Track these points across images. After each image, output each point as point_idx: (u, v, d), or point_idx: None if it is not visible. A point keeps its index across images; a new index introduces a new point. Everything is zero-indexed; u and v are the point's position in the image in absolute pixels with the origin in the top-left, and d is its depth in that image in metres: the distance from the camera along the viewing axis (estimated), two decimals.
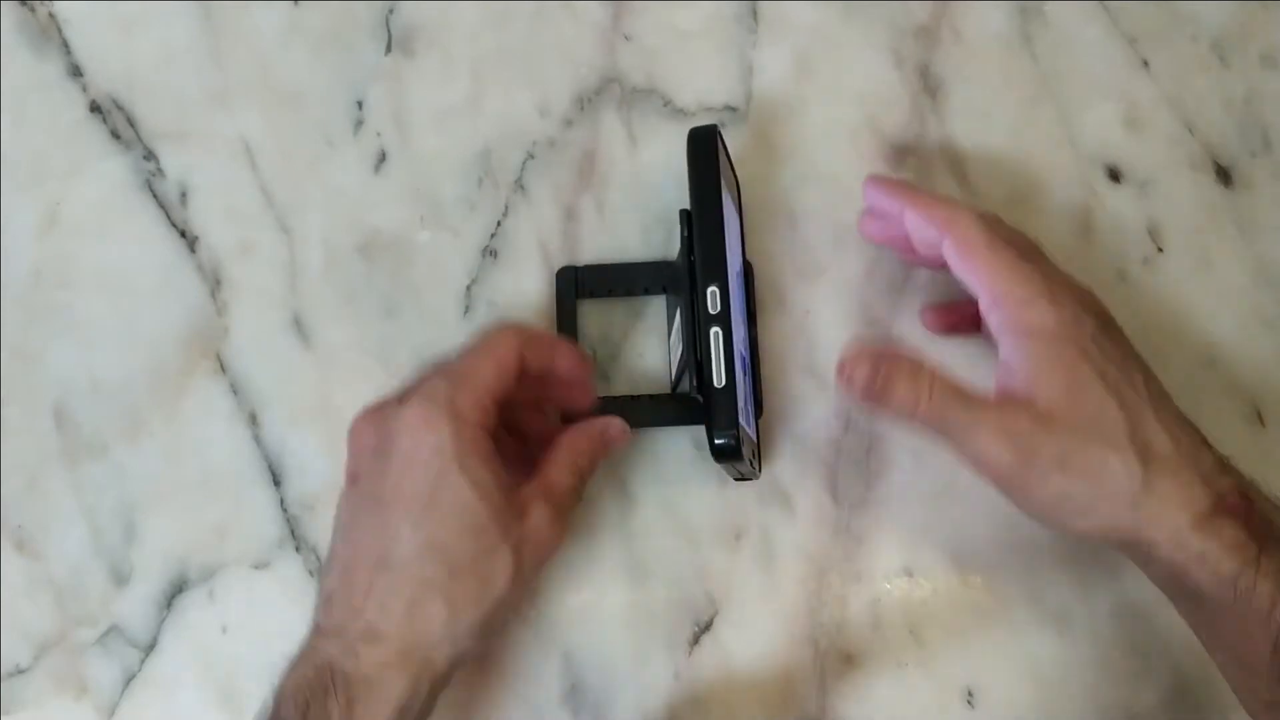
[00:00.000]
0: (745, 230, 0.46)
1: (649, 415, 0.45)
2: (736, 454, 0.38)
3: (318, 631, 0.37)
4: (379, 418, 0.38)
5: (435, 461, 0.36)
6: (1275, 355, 0.47)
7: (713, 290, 0.39)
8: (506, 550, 0.36)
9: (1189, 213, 0.48)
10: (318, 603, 0.38)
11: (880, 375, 0.37)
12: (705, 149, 0.41)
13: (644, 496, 0.46)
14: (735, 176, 0.46)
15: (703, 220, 0.40)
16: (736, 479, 0.44)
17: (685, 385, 0.43)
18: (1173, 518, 0.35)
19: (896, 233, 0.43)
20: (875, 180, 0.44)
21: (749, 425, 0.41)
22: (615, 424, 0.42)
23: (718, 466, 0.41)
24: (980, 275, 0.39)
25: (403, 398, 0.37)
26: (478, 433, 0.37)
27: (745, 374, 0.42)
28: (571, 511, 0.40)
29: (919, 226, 0.41)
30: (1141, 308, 0.47)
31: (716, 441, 0.38)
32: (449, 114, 0.49)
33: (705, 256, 0.39)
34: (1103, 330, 0.38)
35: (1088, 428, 0.36)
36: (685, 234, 0.42)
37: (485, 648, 0.39)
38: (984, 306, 0.39)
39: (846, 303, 0.47)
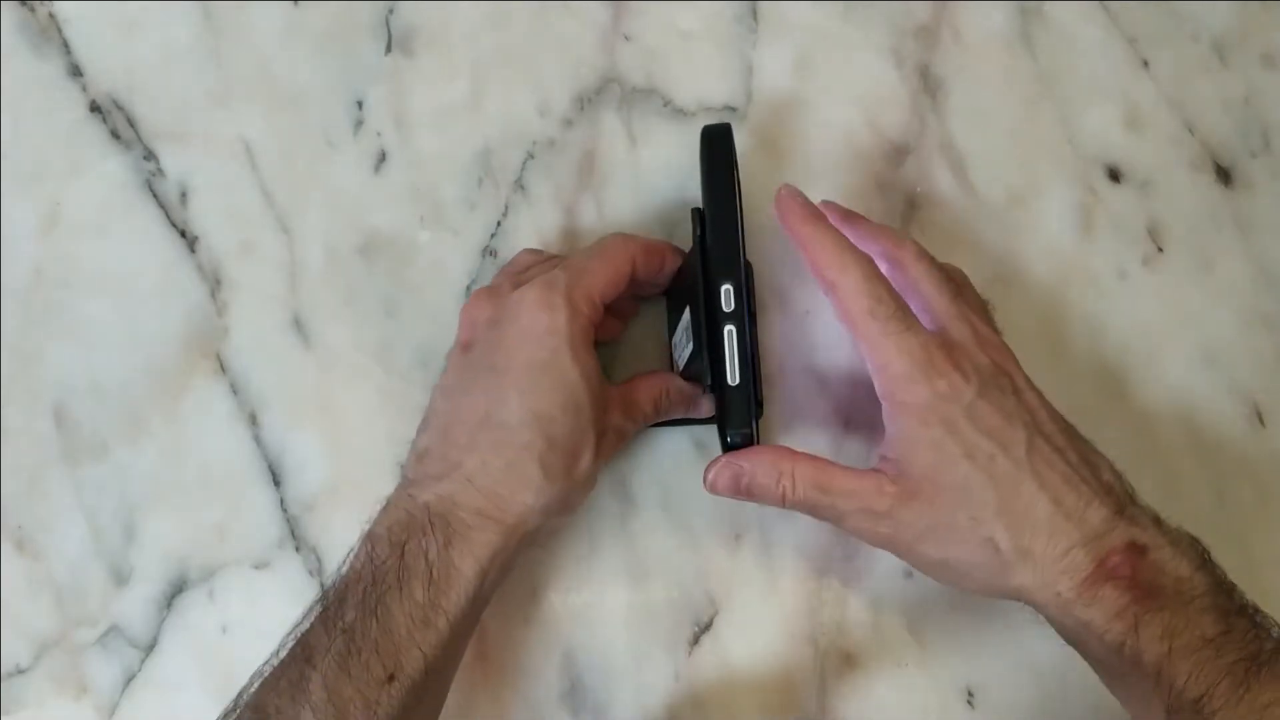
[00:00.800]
0: (746, 230, 0.46)
1: None
2: None
3: (409, 483, 0.39)
4: (497, 295, 0.41)
5: (549, 340, 0.38)
6: (1275, 355, 0.47)
7: (727, 288, 0.39)
8: (593, 436, 0.39)
9: (1189, 213, 0.48)
10: (409, 459, 0.40)
11: (744, 477, 0.38)
12: (720, 146, 0.41)
13: (644, 496, 0.46)
14: (738, 176, 0.46)
15: (717, 217, 0.40)
16: None
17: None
18: (1051, 586, 0.35)
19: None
20: (785, 200, 0.41)
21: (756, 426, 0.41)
22: (706, 402, 0.44)
23: None
24: (861, 345, 0.38)
25: (517, 284, 0.40)
26: (586, 325, 0.39)
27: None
28: (633, 434, 0.43)
29: (811, 264, 0.39)
30: (1141, 308, 0.47)
31: (730, 439, 0.38)
32: (449, 114, 0.49)
33: (720, 254, 0.39)
34: (982, 396, 0.37)
35: (953, 502, 0.36)
36: (698, 232, 0.41)
37: (557, 522, 0.41)
38: (870, 371, 0.39)
39: None
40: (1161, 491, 0.45)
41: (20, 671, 0.45)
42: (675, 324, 0.45)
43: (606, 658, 0.44)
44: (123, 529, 0.46)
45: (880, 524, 0.37)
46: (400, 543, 0.36)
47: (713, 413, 0.44)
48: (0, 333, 0.48)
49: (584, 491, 0.41)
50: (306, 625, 0.36)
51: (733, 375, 0.38)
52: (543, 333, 0.38)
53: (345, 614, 0.35)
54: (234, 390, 0.47)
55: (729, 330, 0.39)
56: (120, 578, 0.46)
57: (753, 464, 0.38)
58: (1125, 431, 0.46)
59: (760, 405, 0.45)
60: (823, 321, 0.47)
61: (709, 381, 0.39)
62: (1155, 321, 0.47)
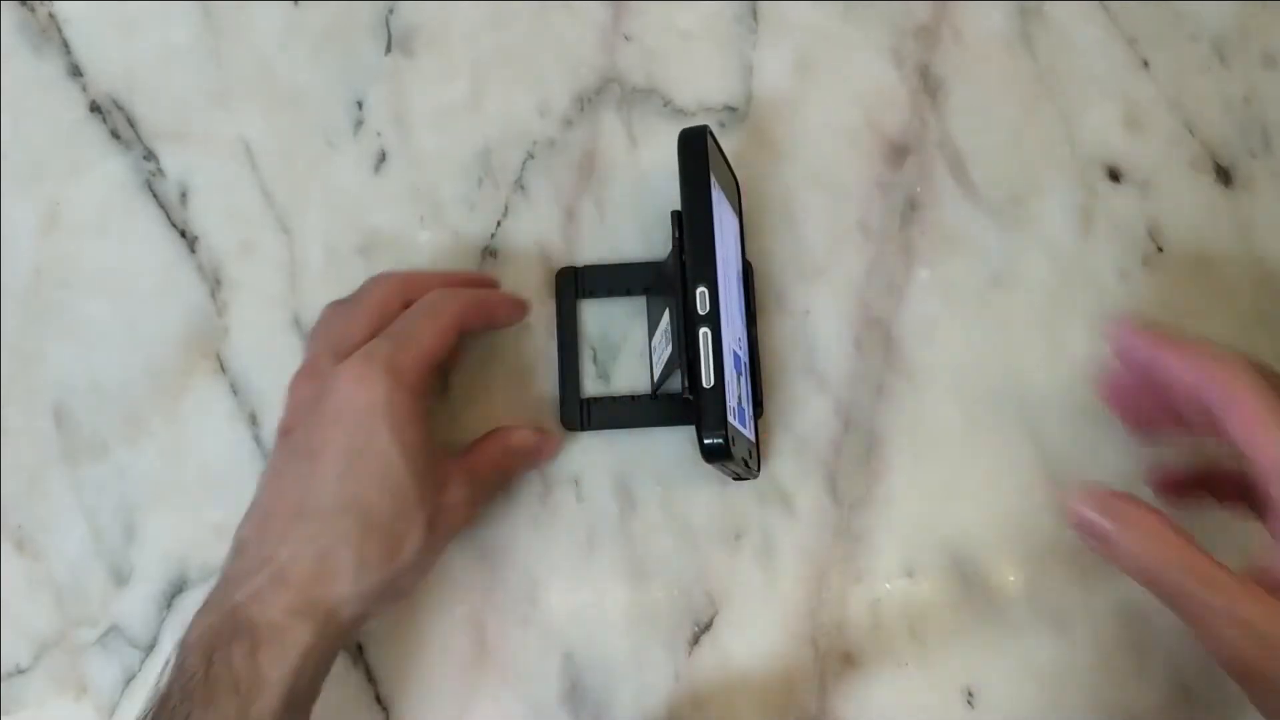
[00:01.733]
0: (745, 230, 0.46)
1: (643, 415, 0.45)
2: (726, 454, 0.38)
3: (226, 580, 0.37)
4: (317, 373, 0.39)
5: (367, 419, 0.36)
6: (1275, 355, 0.47)
7: (702, 291, 0.39)
8: (421, 517, 0.37)
9: (1189, 213, 0.48)
10: (230, 553, 0.38)
11: (1111, 521, 0.34)
12: (695, 150, 0.40)
13: (644, 496, 0.46)
14: (734, 177, 0.46)
15: (692, 221, 0.40)
16: (734, 479, 0.44)
17: (669, 386, 0.43)
18: None
19: (1146, 395, 0.39)
20: (1124, 324, 0.38)
21: (743, 425, 0.41)
22: (552, 441, 0.44)
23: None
24: (1267, 451, 0.33)
25: (338, 356, 0.38)
26: (412, 396, 0.37)
27: (742, 374, 0.42)
28: (488, 500, 0.42)
29: (1181, 381, 0.36)
30: (1141, 308, 0.47)
31: (705, 441, 0.38)
32: (449, 114, 0.49)
33: (695, 257, 0.40)
34: None
35: None
36: (676, 235, 0.42)
37: (388, 609, 0.40)
38: (1262, 479, 0.34)
39: (846, 303, 0.47)
40: None
41: (20, 671, 0.45)
42: (655, 326, 0.45)
43: (606, 658, 0.44)
44: (123, 529, 0.46)
45: (1253, 644, 0.31)
46: (208, 652, 0.34)
47: (555, 450, 0.45)
48: (0, 333, 0.48)
49: (416, 573, 0.39)
50: None
51: (707, 378, 0.38)
52: (361, 411, 0.36)
53: None
54: (234, 390, 0.47)
55: (704, 333, 0.39)
56: (120, 578, 0.46)
57: (1125, 514, 0.34)
58: (1125, 431, 0.46)
59: (760, 405, 0.45)
60: (823, 321, 0.47)
61: (686, 384, 0.39)
62: (1155, 321, 0.47)
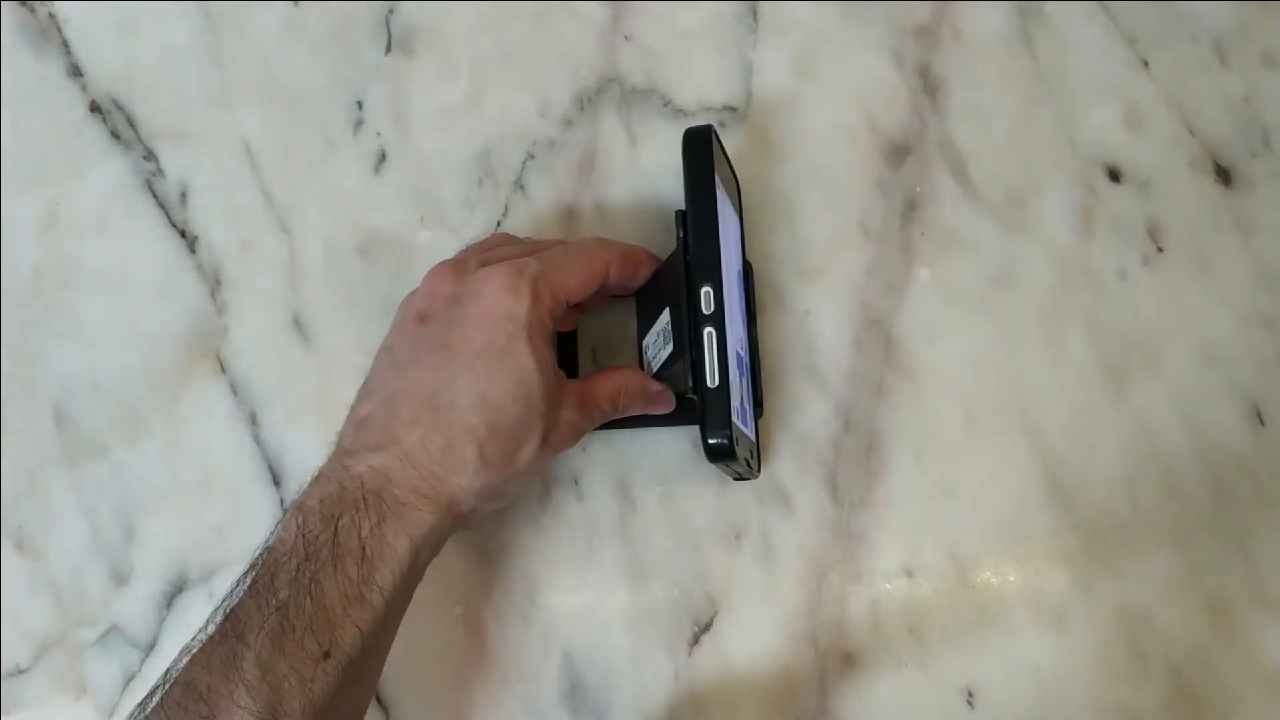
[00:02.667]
0: (745, 230, 0.46)
1: (643, 415, 0.45)
2: (730, 454, 0.38)
3: (344, 452, 0.38)
4: (462, 270, 0.40)
5: (508, 325, 0.37)
6: (1275, 355, 0.47)
7: (707, 290, 0.39)
8: (540, 429, 0.38)
9: (1189, 213, 0.48)
10: (346, 425, 0.39)
11: None
12: (700, 150, 0.40)
13: (644, 496, 0.46)
14: (735, 177, 0.46)
15: (698, 221, 0.40)
16: (735, 479, 0.44)
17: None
18: None
19: None
20: None
21: (745, 425, 0.41)
22: (667, 396, 0.44)
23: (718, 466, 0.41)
24: None
25: (486, 263, 0.39)
26: (547, 318, 0.39)
27: (743, 374, 0.42)
28: (590, 430, 0.42)
29: None
30: (1141, 308, 0.47)
31: (710, 441, 0.38)
32: (449, 114, 0.49)
33: (700, 257, 0.39)
34: None
35: None
36: (680, 234, 0.42)
37: (491, 510, 0.40)
38: None
39: (846, 303, 0.47)
40: (1161, 491, 0.46)
41: (20, 671, 0.45)
42: (648, 326, 0.45)
43: (606, 658, 0.44)
44: (123, 529, 0.46)
45: None
46: (333, 517, 0.35)
47: (672, 408, 0.44)
48: (0, 333, 0.48)
49: (523, 481, 0.40)
50: (236, 600, 0.35)
51: (712, 378, 0.38)
52: (502, 317, 0.38)
53: (278, 590, 0.34)
54: (234, 390, 0.47)
55: (708, 333, 0.39)
56: (120, 578, 0.46)
57: None
58: (1125, 431, 0.46)
59: (760, 405, 0.45)
60: (823, 321, 0.47)
61: (689, 383, 0.39)
62: (1155, 321, 0.47)
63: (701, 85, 0.49)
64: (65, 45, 0.50)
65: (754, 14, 0.50)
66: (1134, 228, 0.48)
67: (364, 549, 0.35)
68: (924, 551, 0.45)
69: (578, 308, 0.44)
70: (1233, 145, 0.49)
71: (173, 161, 0.49)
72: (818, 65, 0.50)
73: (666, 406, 0.44)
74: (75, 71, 0.50)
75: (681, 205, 0.41)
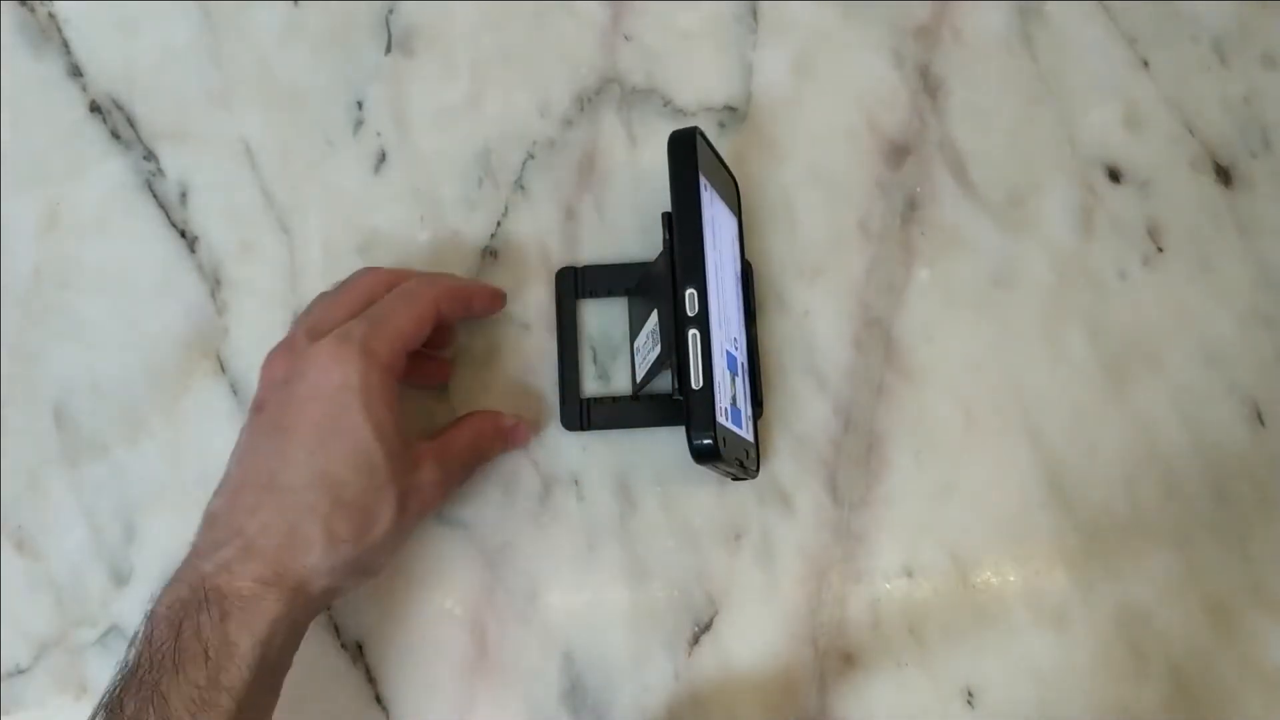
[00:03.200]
0: (745, 230, 0.46)
1: (643, 415, 0.45)
2: (715, 455, 0.38)
3: (195, 553, 0.37)
4: (292, 352, 0.39)
5: (340, 396, 0.37)
6: (1275, 355, 0.47)
7: (691, 292, 0.39)
8: (393, 494, 0.37)
9: (1189, 213, 0.48)
10: (200, 527, 0.38)
11: None
12: (685, 152, 0.40)
13: (644, 496, 0.46)
14: (732, 177, 0.46)
15: (682, 223, 0.40)
16: (733, 479, 0.44)
17: (653, 387, 0.44)
18: None
19: None
20: None
21: (738, 426, 0.41)
22: (522, 429, 0.44)
23: None
24: None
25: (315, 336, 0.38)
26: (386, 377, 0.38)
27: (738, 375, 0.42)
28: (458, 483, 0.42)
29: None
30: (1141, 308, 0.47)
31: (694, 442, 0.38)
32: (449, 114, 0.49)
33: (684, 259, 0.40)
34: None
35: None
36: (666, 236, 0.42)
37: (357, 586, 0.40)
38: None
39: (846, 303, 0.47)
40: (1161, 491, 0.46)
41: (20, 671, 0.45)
42: (639, 327, 0.45)
43: (606, 658, 0.44)
44: (123, 529, 0.46)
45: None
46: (177, 622, 0.34)
47: (530, 438, 0.45)
48: (0, 333, 0.48)
49: (387, 551, 0.39)
50: None
51: (696, 379, 0.38)
52: (334, 389, 0.37)
53: (125, 708, 0.33)
54: (234, 390, 0.47)
55: (692, 334, 0.39)
56: (120, 578, 0.46)
57: None
58: (1125, 431, 0.46)
59: (760, 405, 0.45)
60: (823, 321, 0.47)
61: (676, 385, 0.39)
62: (1155, 321, 0.47)
63: (701, 85, 0.49)
64: (65, 45, 0.50)
65: (754, 14, 0.50)
66: (1134, 228, 0.48)
67: (206, 651, 0.34)
68: (924, 551, 0.45)
69: (438, 351, 0.45)
70: (1233, 145, 0.49)
71: (173, 161, 0.49)
72: (818, 65, 0.50)
73: (525, 438, 0.44)
74: (75, 71, 0.50)
75: (670, 207, 0.41)
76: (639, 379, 0.44)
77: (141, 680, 0.34)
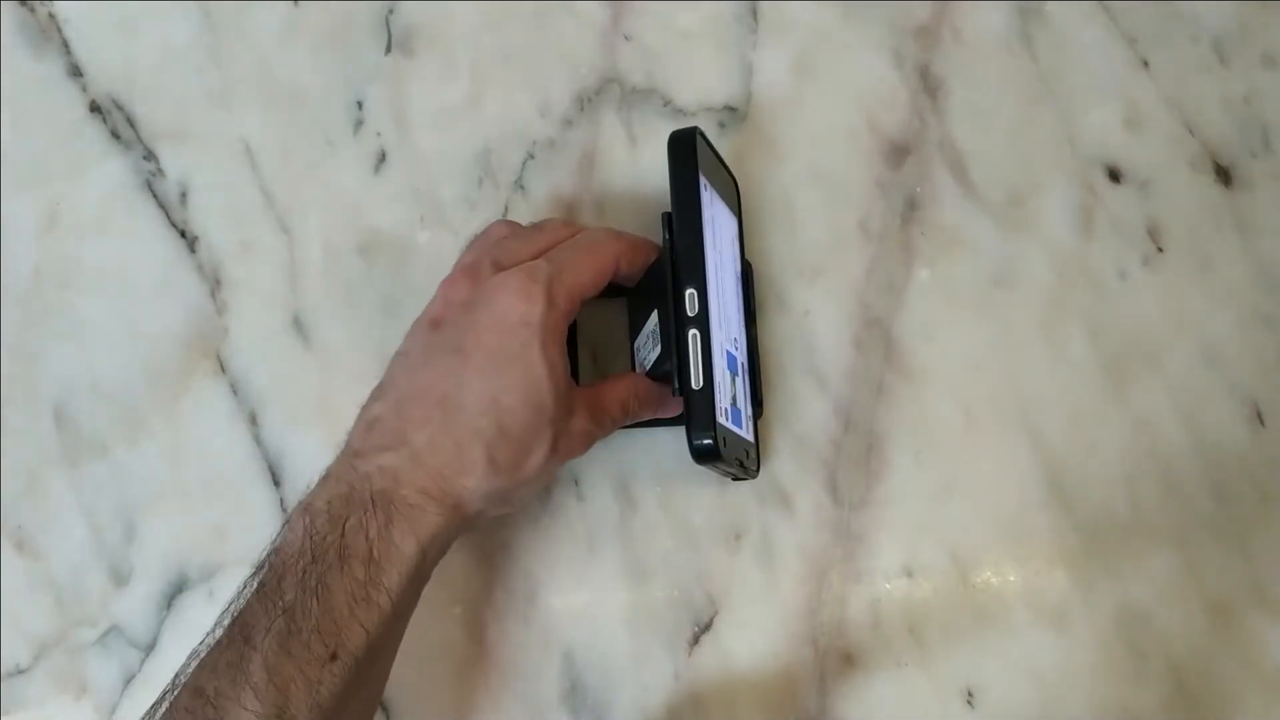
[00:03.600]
0: (745, 230, 0.46)
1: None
2: (716, 455, 0.38)
3: (353, 453, 0.38)
4: (476, 275, 0.40)
5: (521, 331, 0.38)
6: (1275, 355, 0.47)
7: (691, 292, 0.39)
8: (550, 435, 0.38)
9: (1189, 213, 0.48)
10: (357, 426, 0.39)
11: None
12: (685, 152, 0.41)
13: (644, 496, 0.46)
14: (732, 177, 0.46)
15: (682, 223, 0.40)
16: (733, 479, 0.44)
17: None
18: None
19: None
20: None
21: (738, 426, 0.41)
22: (674, 402, 0.43)
23: None
24: None
25: (500, 268, 0.39)
26: (562, 321, 0.39)
27: (738, 375, 0.42)
28: (604, 436, 0.42)
29: None
30: (1141, 308, 0.47)
31: (695, 442, 0.38)
32: (449, 114, 0.49)
33: (684, 259, 0.40)
34: None
35: None
36: (666, 237, 0.42)
37: (498, 515, 0.41)
38: None
39: (846, 303, 0.47)
40: (1161, 491, 0.46)
41: (20, 671, 0.45)
42: (639, 326, 0.45)
43: (606, 658, 0.44)
44: (123, 529, 0.46)
45: None
46: (341, 519, 0.35)
47: (675, 412, 0.44)
48: (0, 333, 0.48)
49: (531, 488, 0.40)
50: (243, 603, 0.35)
51: (696, 380, 0.38)
52: (516, 323, 0.38)
53: (285, 592, 0.34)
54: (234, 390, 0.47)
55: (692, 334, 0.39)
56: (120, 578, 0.46)
57: None
58: (1125, 431, 0.46)
59: (760, 405, 0.45)
60: (823, 321, 0.47)
61: (676, 385, 0.39)
62: (1155, 321, 0.47)
63: (701, 85, 0.49)
64: (65, 45, 0.50)
65: (754, 14, 0.50)
66: (1134, 228, 0.48)
67: (371, 550, 0.35)
68: (924, 551, 0.45)
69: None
70: (1233, 145, 0.49)
71: (173, 161, 0.49)
72: (818, 65, 0.50)
73: (676, 408, 0.44)
74: (75, 71, 0.50)
75: (670, 208, 0.41)
76: None
77: (305, 570, 0.34)
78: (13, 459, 0.47)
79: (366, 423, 0.39)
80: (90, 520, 0.46)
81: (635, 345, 0.45)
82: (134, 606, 0.45)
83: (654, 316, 0.42)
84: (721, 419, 0.38)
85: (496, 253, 0.41)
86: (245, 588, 0.35)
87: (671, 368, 0.39)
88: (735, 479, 0.44)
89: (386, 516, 0.36)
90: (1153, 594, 0.44)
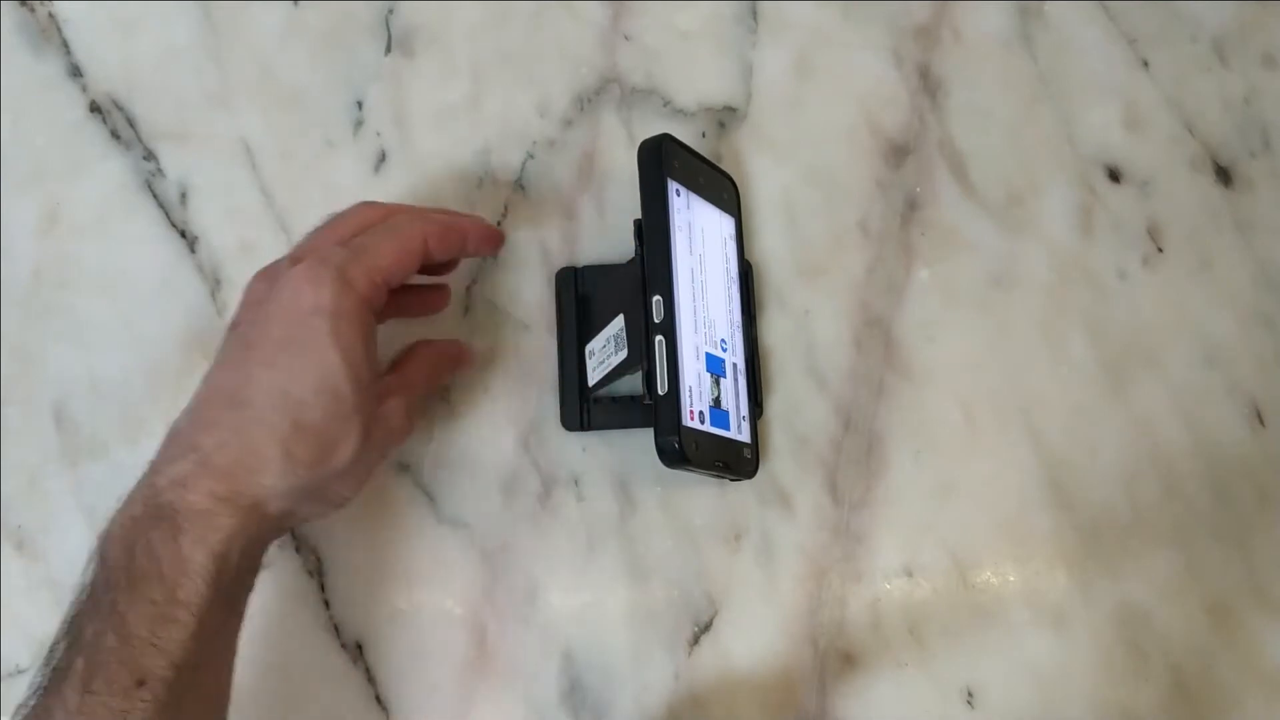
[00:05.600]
0: (745, 230, 0.46)
1: (642, 415, 0.45)
2: (681, 457, 0.39)
3: (151, 470, 0.36)
4: (271, 273, 0.38)
5: (309, 318, 0.36)
6: (1275, 355, 0.47)
7: (657, 299, 0.40)
8: (358, 424, 0.36)
9: (1189, 213, 0.48)
10: (161, 444, 0.37)
11: None
12: (651, 161, 0.41)
13: (644, 496, 0.46)
14: (729, 178, 0.46)
15: (650, 231, 0.40)
16: (731, 480, 0.44)
17: (613, 389, 0.44)
18: None
19: None
20: None
21: (722, 427, 0.41)
22: (467, 349, 0.44)
23: None
24: None
25: (297, 261, 0.37)
26: (361, 307, 0.37)
27: (729, 376, 0.42)
28: (423, 413, 0.41)
29: None
30: (1141, 308, 0.47)
31: (658, 445, 0.39)
32: (449, 114, 0.49)
33: (651, 266, 0.40)
34: None
35: None
36: (637, 244, 0.42)
37: (322, 514, 0.39)
38: None
39: (846, 303, 0.47)
40: (1161, 491, 0.46)
41: (20, 671, 0.45)
42: (595, 331, 0.45)
43: (606, 658, 0.44)
44: None
45: None
46: (130, 542, 0.33)
47: (473, 361, 0.45)
48: (0, 333, 0.48)
49: (349, 481, 0.38)
50: (56, 656, 0.33)
51: (662, 385, 0.39)
52: (306, 311, 0.36)
53: (84, 630, 0.33)
54: None
55: (658, 340, 0.39)
56: None
57: None
58: (1125, 431, 0.46)
59: (760, 405, 0.45)
60: (823, 321, 0.47)
61: (644, 389, 0.40)
62: (1155, 321, 0.47)
63: (701, 85, 0.49)
64: (65, 45, 0.50)
65: (754, 14, 0.50)
66: (1134, 228, 0.48)
67: (161, 569, 0.33)
68: (924, 551, 0.45)
69: (438, 285, 0.44)
70: (1233, 145, 0.49)
71: (173, 161, 0.49)
72: (818, 65, 0.50)
73: (472, 357, 0.44)
74: (75, 71, 0.50)
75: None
76: (593, 382, 0.44)
77: (98, 601, 0.33)
78: (13, 459, 0.47)
79: (166, 438, 0.37)
80: (90, 520, 0.46)
81: (589, 348, 0.45)
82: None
83: (619, 321, 0.43)
84: (694, 422, 0.39)
85: (297, 248, 0.39)
86: (57, 640, 0.34)
87: (642, 371, 0.40)
88: (733, 479, 0.44)
89: (174, 528, 0.33)
90: (1152, 594, 0.44)
